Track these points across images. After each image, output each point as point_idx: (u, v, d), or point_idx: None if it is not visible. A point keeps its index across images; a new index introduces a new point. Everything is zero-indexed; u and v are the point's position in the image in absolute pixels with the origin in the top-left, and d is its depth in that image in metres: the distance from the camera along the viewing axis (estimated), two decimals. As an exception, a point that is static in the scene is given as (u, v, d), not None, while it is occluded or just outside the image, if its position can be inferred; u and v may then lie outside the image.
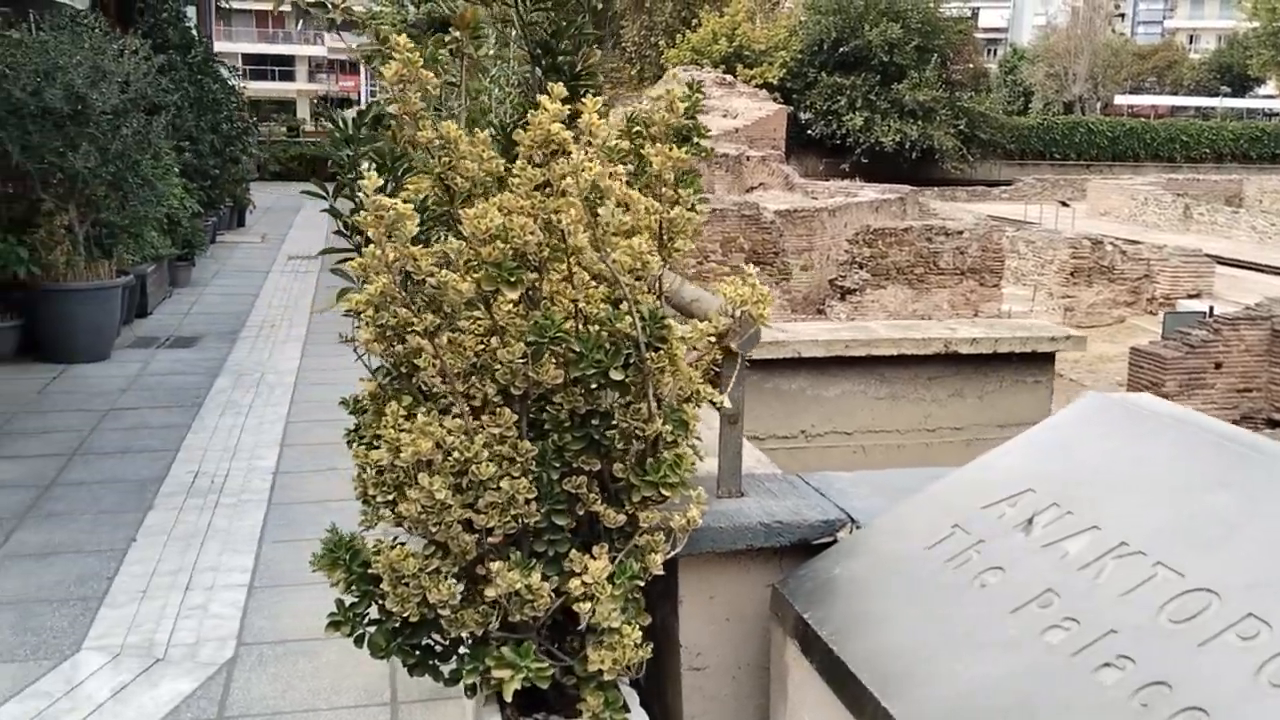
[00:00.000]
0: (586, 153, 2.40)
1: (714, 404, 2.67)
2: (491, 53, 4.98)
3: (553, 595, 2.41)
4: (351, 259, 4.61)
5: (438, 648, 2.64)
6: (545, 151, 2.44)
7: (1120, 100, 59.70)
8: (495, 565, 2.36)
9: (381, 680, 3.73)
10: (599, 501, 2.50)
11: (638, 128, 3.05)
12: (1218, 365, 14.86)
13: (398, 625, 2.57)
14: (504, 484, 2.38)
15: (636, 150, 3.01)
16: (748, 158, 26.15)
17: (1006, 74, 59.61)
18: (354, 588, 2.59)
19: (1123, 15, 75.95)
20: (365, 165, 4.51)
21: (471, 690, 2.57)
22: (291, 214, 19.55)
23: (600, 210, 2.31)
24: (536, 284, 2.50)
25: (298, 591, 4.43)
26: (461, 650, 2.59)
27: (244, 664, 3.89)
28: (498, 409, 2.44)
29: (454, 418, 2.42)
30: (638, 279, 2.42)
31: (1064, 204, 34.04)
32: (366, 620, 2.59)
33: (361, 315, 2.52)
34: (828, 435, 4.84)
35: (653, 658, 2.47)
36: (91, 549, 4.84)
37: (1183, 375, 14.55)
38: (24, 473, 5.80)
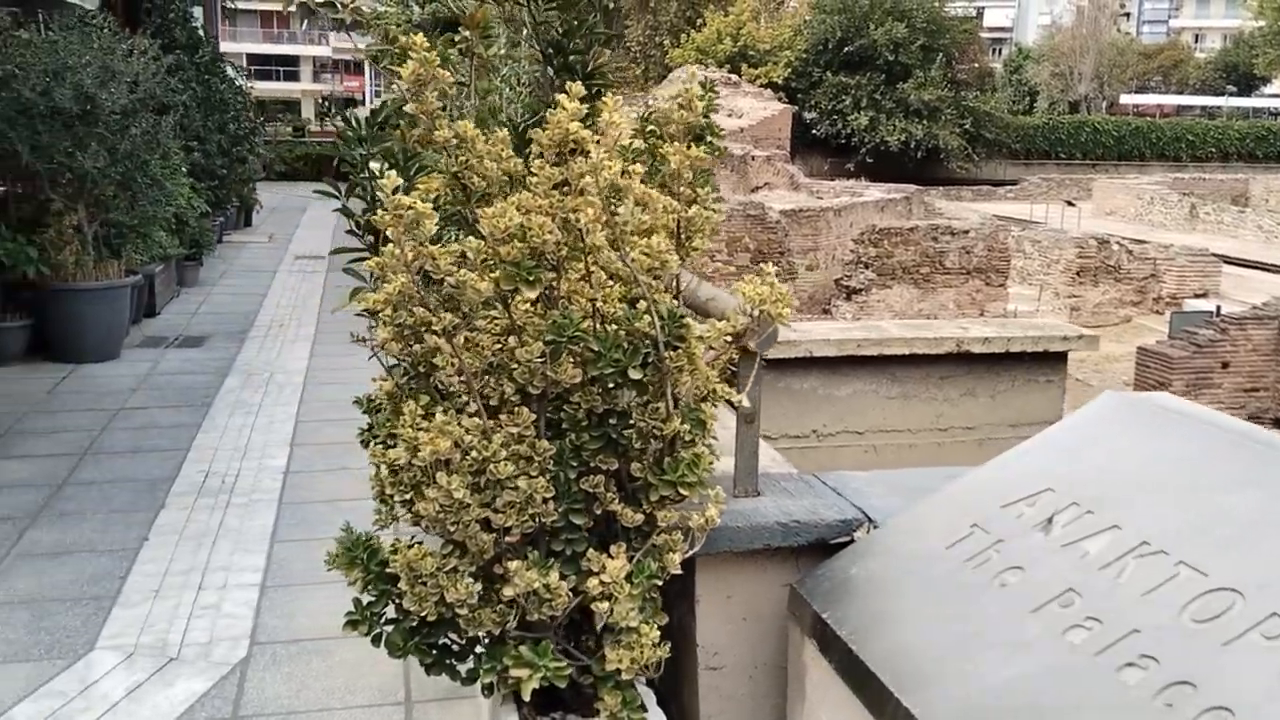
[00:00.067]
0: (605, 151, 2.40)
1: (731, 403, 2.66)
2: (502, 52, 4.98)
3: (570, 594, 2.41)
4: (364, 259, 4.63)
5: (454, 647, 2.64)
6: (564, 150, 2.44)
7: (1126, 100, 59.60)
8: (513, 564, 2.36)
9: (396, 679, 3.74)
10: (616, 501, 2.50)
11: (651, 127, 3.06)
12: (1225, 365, 14.84)
13: (415, 624, 2.57)
14: (522, 483, 2.38)
15: (650, 149, 3.01)
16: (753, 157, 26.15)
17: (1012, 73, 59.51)
18: (371, 587, 2.59)
19: (1128, 14, 75.85)
20: (376, 165, 4.51)
21: (489, 689, 2.57)
22: (298, 214, 19.57)
23: (619, 209, 2.31)
24: (554, 283, 2.50)
25: (310, 591, 4.43)
26: (478, 649, 2.59)
27: (258, 663, 3.89)
28: (516, 408, 2.44)
29: (471, 416, 2.42)
30: (655, 278, 2.42)
31: (1070, 203, 33.99)
32: (384, 619, 2.59)
33: (380, 314, 2.53)
34: (839, 435, 4.83)
35: (669, 657, 2.47)
36: (104, 548, 4.85)
37: (1190, 375, 14.53)
38: (35, 472, 5.82)
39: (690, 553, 2.52)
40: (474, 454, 2.36)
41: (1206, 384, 14.73)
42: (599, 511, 2.51)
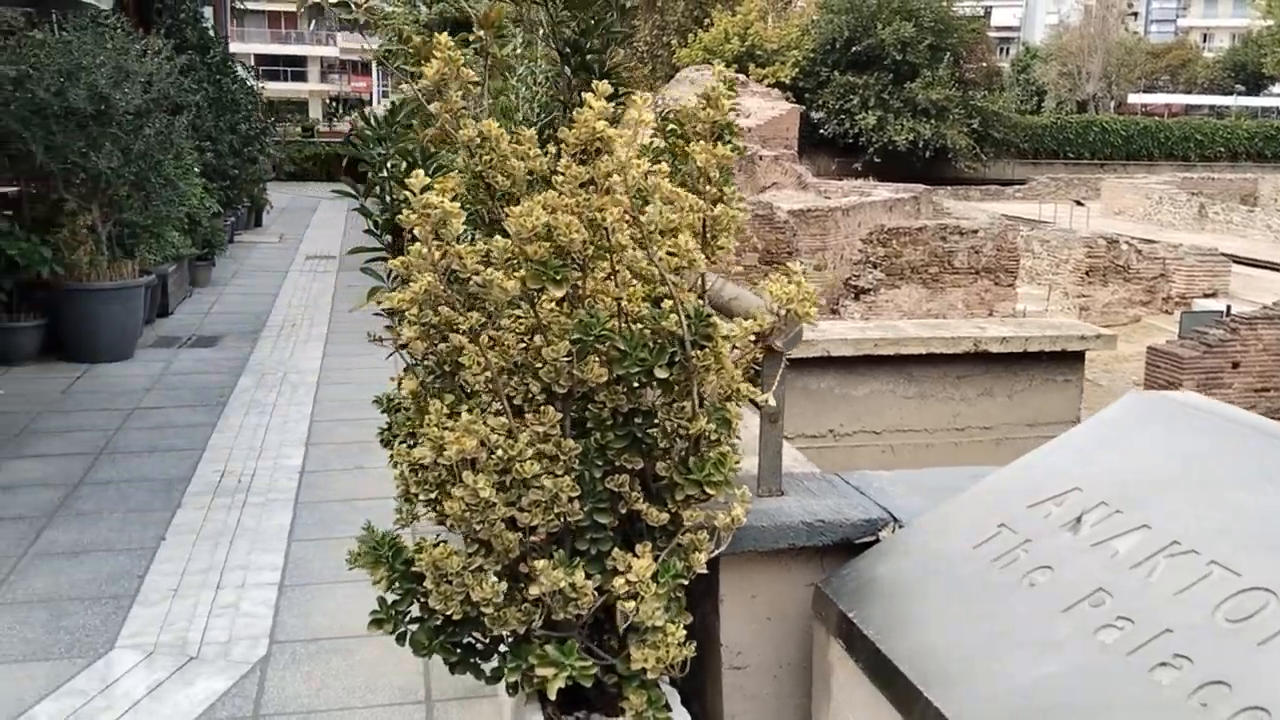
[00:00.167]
0: (631, 150, 2.40)
1: (754, 403, 2.66)
2: (519, 51, 4.99)
3: (595, 594, 2.41)
4: (382, 258, 4.63)
5: (479, 646, 2.64)
6: (589, 149, 2.44)
7: (1134, 99, 59.48)
8: (539, 563, 2.36)
9: (416, 678, 3.74)
10: (641, 500, 2.50)
11: (672, 126, 3.06)
12: (1235, 364, 14.79)
13: (440, 623, 2.57)
14: (547, 482, 2.38)
15: (670, 148, 3.01)
16: (760, 157, 26.13)
17: (1019, 73, 59.44)
18: (396, 586, 2.59)
19: (1136, 14, 75.64)
20: (390, 165, 4.51)
21: (513, 688, 2.57)
22: (308, 214, 19.60)
23: (648, 207, 2.31)
24: (579, 282, 2.50)
25: (329, 590, 4.44)
26: (501, 648, 2.59)
27: (277, 662, 3.90)
28: (541, 407, 2.44)
29: (496, 416, 2.42)
30: (681, 277, 2.42)
31: (1078, 203, 33.93)
32: (408, 618, 2.59)
33: (405, 314, 2.53)
34: (856, 434, 4.83)
35: (693, 657, 2.47)
36: (121, 547, 4.86)
37: (1200, 375, 14.48)
38: (52, 471, 5.83)
39: (716, 552, 2.52)
40: (499, 453, 2.37)
41: (1217, 384, 14.69)
42: (623, 511, 2.51)
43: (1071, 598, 2.14)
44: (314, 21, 58.98)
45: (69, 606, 4.30)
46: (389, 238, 4.44)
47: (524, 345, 2.49)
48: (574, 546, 2.50)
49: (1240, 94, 59.71)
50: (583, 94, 4.74)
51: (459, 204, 2.75)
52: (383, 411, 3.21)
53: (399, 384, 3.38)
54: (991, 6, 69.95)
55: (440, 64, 2.69)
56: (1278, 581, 1.93)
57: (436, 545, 2.46)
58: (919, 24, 43.29)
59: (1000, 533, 2.42)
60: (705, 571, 2.50)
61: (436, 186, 2.97)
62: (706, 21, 42.04)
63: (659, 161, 2.73)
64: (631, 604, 2.36)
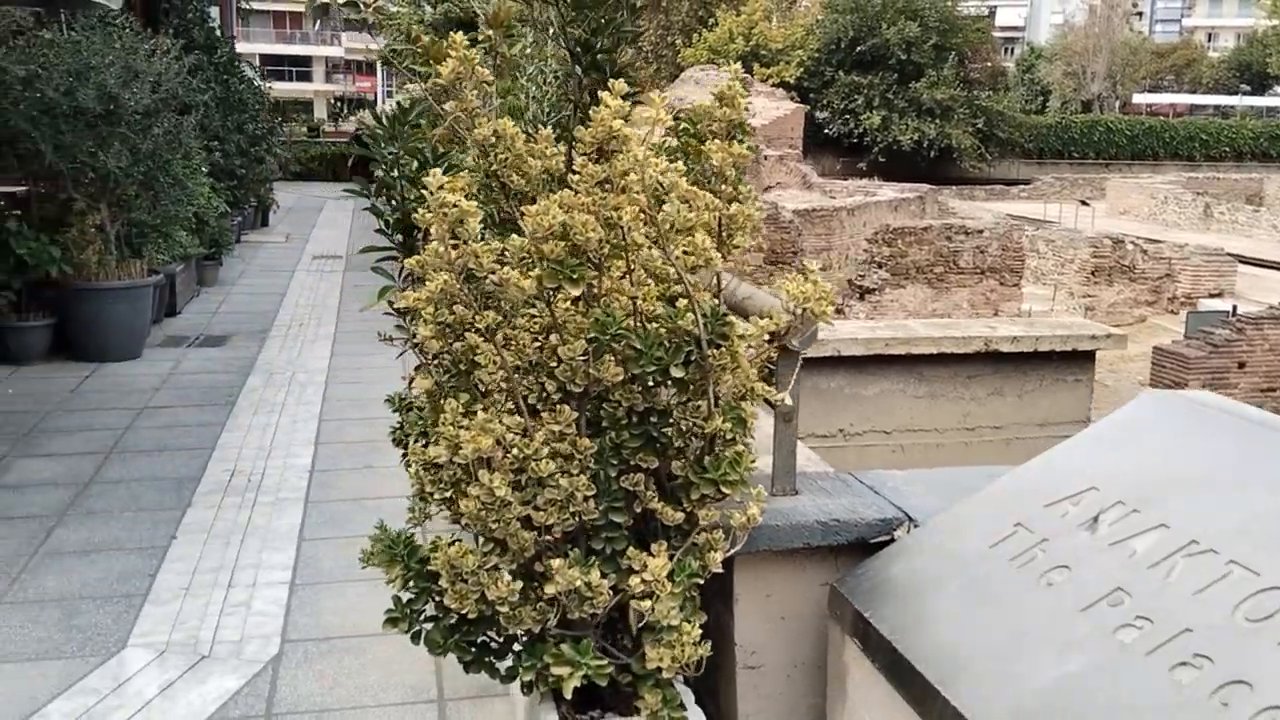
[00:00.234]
0: (648, 148, 2.40)
1: (769, 402, 2.66)
2: (529, 51, 4.99)
3: (610, 593, 2.41)
4: (393, 257, 4.63)
5: (493, 645, 2.64)
6: (605, 148, 2.44)
7: (1139, 99, 59.39)
8: (556, 562, 2.36)
9: (428, 677, 3.74)
10: (656, 499, 2.50)
11: (685, 124, 3.06)
12: (1241, 364, 14.77)
13: (454, 622, 2.57)
14: (563, 481, 2.38)
15: (683, 147, 3.01)
16: (765, 157, 26.11)
17: (1024, 73, 59.36)
18: (411, 584, 2.59)
19: (1140, 13, 75.52)
20: (401, 164, 4.51)
21: (528, 687, 2.57)
22: (314, 214, 19.62)
23: (665, 206, 2.31)
24: (595, 281, 2.50)
25: (340, 588, 4.44)
26: (516, 647, 2.59)
27: (289, 661, 3.90)
28: (557, 406, 2.44)
29: (510, 414, 2.42)
30: (697, 276, 2.42)
31: (1084, 203, 33.89)
32: (423, 617, 2.59)
33: (421, 313, 2.53)
34: (866, 434, 4.83)
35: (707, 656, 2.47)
36: (132, 546, 4.87)
37: (1206, 375, 14.46)
38: (62, 471, 5.84)
39: (731, 551, 2.52)
40: (515, 452, 2.37)
41: (1223, 384, 14.67)
42: (638, 510, 2.51)
43: (1090, 597, 2.13)
44: (318, 22, 59.07)
45: (80, 605, 4.31)
46: (399, 237, 4.44)
47: (539, 344, 2.50)
48: (589, 546, 2.50)
49: (1245, 94, 59.59)
50: (593, 93, 4.75)
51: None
52: (394, 411, 3.22)
53: (409, 383, 3.38)
54: (996, 6, 69.92)
55: (456, 63, 2.69)
56: (1298, 581, 1.93)
57: (452, 544, 2.46)
58: (924, 23, 43.25)
59: (1017, 532, 2.41)
60: (720, 571, 2.50)
61: (447, 186, 2.97)
62: (711, 21, 42.01)
63: (674, 160, 2.73)
64: (647, 603, 2.36)
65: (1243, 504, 2.19)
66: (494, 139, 2.60)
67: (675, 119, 3.07)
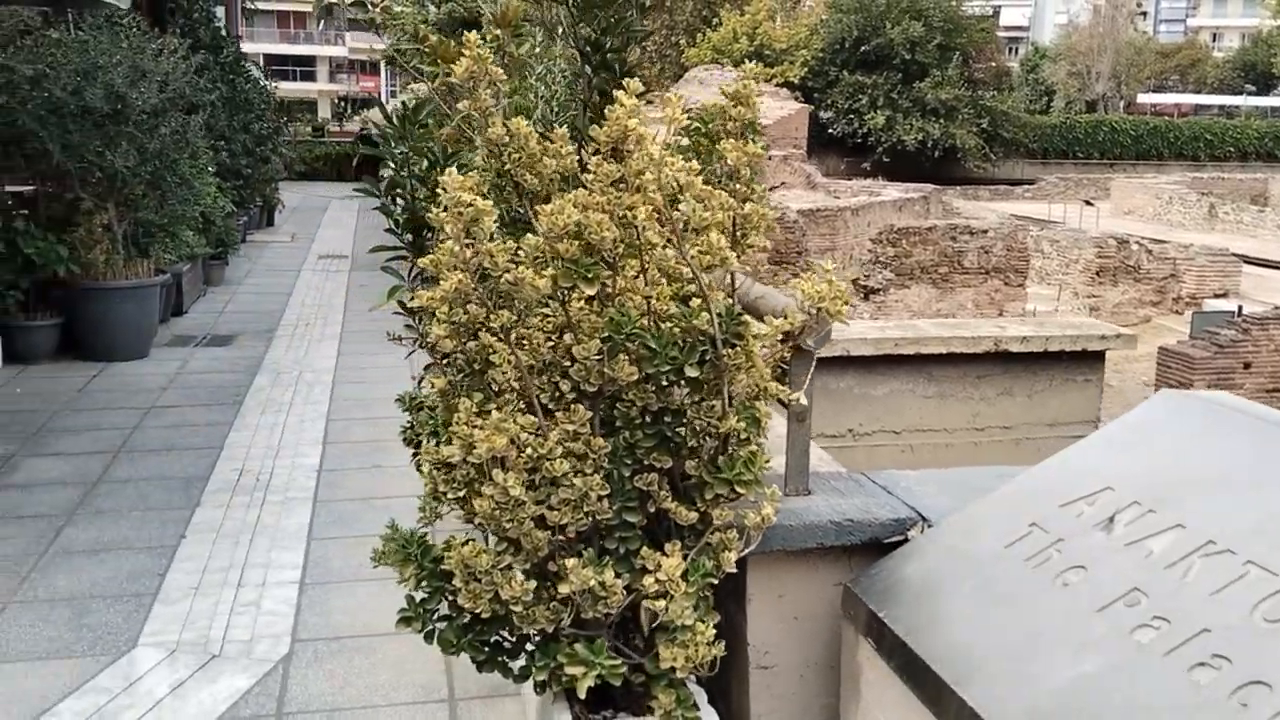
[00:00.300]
0: (663, 149, 2.40)
1: (782, 401, 2.66)
2: (538, 50, 4.99)
3: (624, 592, 2.41)
4: (403, 257, 4.62)
5: (506, 644, 2.64)
6: (619, 147, 2.44)
7: (1143, 99, 59.32)
8: (570, 562, 2.36)
9: (439, 676, 3.74)
10: (670, 499, 2.50)
11: (696, 124, 3.06)
12: (1246, 365, 14.75)
13: (467, 621, 2.58)
14: (577, 481, 2.38)
15: (694, 147, 3.01)
16: (770, 157, 26.09)
17: (1028, 72, 59.27)
18: (424, 584, 2.59)
19: (1145, 13, 75.46)
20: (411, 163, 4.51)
21: (541, 687, 2.57)
22: (319, 213, 19.64)
23: (681, 205, 2.30)
24: (608, 281, 2.50)
25: (349, 588, 4.45)
26: (529, 647, 2.59)
27: (300, 660, 3.90)
28: (571, 406, 2.44)
29: (523, 413, 2.42)
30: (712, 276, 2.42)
31: (1088, 203, 33.85)
32: (436, 616, 2.59)
33: (435, 312, 2.53)
34: (875, 434, 4.83)
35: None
36: (141, 545, 4.87)
37: (1211, 375, 14.43)
38: (70, 470, 5.85)
39: (746, 551, 2.52)
40: (529, 451, 2.37)
41: (1228, 384, 14.63)
42: (651, 510, 2.51)
43: (1106, 597, 2.13)
44: (322, 21, 59.11)
45: (90, 604, 4.31)
46: (409, 236, 4.44)
47: (552, 344, 2.50)
48: (602, 545, 2.50)
49: (1250, 94, 59.49)
50: (602, 93, 4.75)
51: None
52: (405, 410, 3.22)
53: (419, 383, 3.38)
54: (1000, 6, 69.86)
55: (470, 63, 2.69)
56: (1316, 581, 1.92)
57: (466, 544, 2.46)
58: (928, 23, 43.20)
59: (1032, 532, 2.41)
60: (734, 571, 2.50)
61: (461, 185, 2.97)
62: (715, 21, 41.99)
63: (689, 160, 2.73)
64: (661, 603, 2.36)
65: (1259, 504, 2.19)
66: (507, 138, 2.60)
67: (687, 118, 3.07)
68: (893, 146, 42.62)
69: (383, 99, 52.02)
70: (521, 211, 2.75)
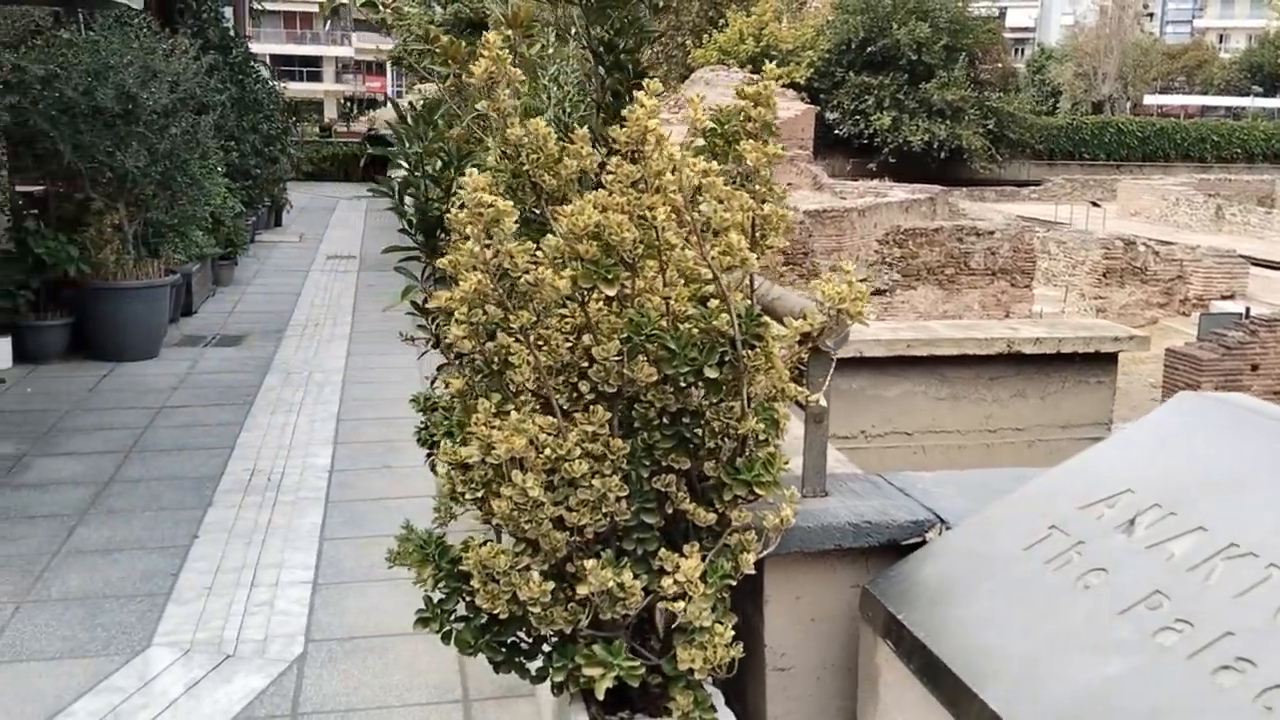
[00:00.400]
0: (683, 149, 2.40)
1: (799, 403, 2.66)
2: (550, 51, 4.99)
3: (642, 594, 2.41)
4: (416, 258, 4.62)
5: (524, 645, 2.64)
6: (639, 147, 2.44)
7: (1150, 100, 59.22)
8: (589, 563, 2.36)
9: (453, 676, 3.74)
10: (688, 500, 2.50)
11: (712, 125, 3.05)
12: (1254, 367, 14.73)
13: (485, 622, 2.57)
14: (596, 482, 2.38)
15: (710, 147, 3.01)
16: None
17: (1035, 74, 59.21)
18: (442, 585, 2.59)
19: (1151, 14, 75.33)
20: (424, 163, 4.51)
21: (559, 688, 2.57)
22: (327, 214, 19.66)
23: (702, 206, 2.30)
24: (627, 281, 2.50)
25: (362, 588, 4.45)
26: (546, 648, 2.59)
27: (314, 660, 3.91)
28: (589, 407, 2.44)
29: (542, 414, 2.42)
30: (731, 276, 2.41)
31: (1095, 204, 33.81)
32: (453, 617, 2.59)
33: (454, 313, 2.53)
34: (888, 435, 4.82)
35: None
36: (154, 545, 4.88)
37: (1219, 377, 14.41)
38: (82, 470, 5.86)
39: (764, 553, 2.52)
40: (548, 452, 2.37)
41: (1236, 386, 14.61)
42: (669, 511, 2.51)
43: (1128, 600, 2.13)
44: (329, 22, 59.16)
45: (104, 604, 4.32)
46: (422, 237, 4.44)
47: (571, 345, 2.50)
48: (620, 547, 2.50)
49: (1257, 95, 59.36)
50: (615, 93, 4.74)
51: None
52: (419, 411, 3.22)
53: (432, 382, 3.37)
54: (1007, 7, 69.79)
55: (489, 63, 2.69)
56: (1341, 585, 1.92)
57: (484, 544, 2.46)
58: (934, 24, 43.18)
59: (1051, 534, 2.41)
60: (752, 572, 2.50)
61: (479, 185, 2.96)
62: (721, 22, 41.99)
63: (715, 160, 2.73)
64: (679, 604, 2.36)
65: (1281, 507, 2.18)
66: (525, 139, 2.59)
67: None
68: (899, 147, 42.60)
69: (389, 100, 52.05)
70: (535, 212, 2.75)
